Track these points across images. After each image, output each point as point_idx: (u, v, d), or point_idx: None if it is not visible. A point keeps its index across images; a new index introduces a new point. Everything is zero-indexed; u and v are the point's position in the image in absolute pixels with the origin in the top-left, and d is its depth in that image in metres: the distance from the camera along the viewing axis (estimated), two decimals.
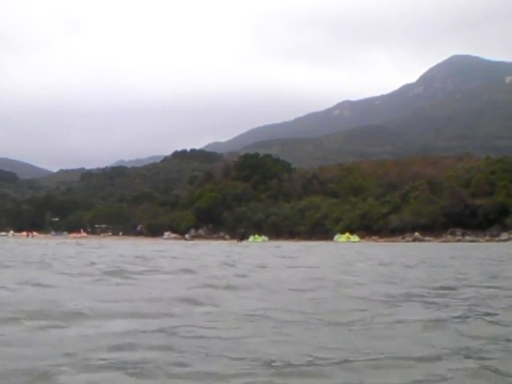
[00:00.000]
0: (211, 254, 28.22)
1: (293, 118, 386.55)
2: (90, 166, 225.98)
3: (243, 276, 12.19)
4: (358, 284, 10.60)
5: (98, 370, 4.01)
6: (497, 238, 73.29)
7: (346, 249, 39.79)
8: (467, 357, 4.49)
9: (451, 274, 13.66)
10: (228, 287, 9.47)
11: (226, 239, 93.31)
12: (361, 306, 7.46)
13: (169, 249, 36.45)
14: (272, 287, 9.69)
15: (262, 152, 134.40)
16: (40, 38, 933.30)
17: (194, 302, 7.46)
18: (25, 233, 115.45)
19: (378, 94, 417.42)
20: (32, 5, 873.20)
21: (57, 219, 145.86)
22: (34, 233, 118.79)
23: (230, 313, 6.68)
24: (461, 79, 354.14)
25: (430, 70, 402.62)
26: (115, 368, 4.03)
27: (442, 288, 9.89)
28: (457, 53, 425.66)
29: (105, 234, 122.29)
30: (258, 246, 48.85)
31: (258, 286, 9.75)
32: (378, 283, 10.81)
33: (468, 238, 76.76)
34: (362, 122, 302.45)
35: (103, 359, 4.26)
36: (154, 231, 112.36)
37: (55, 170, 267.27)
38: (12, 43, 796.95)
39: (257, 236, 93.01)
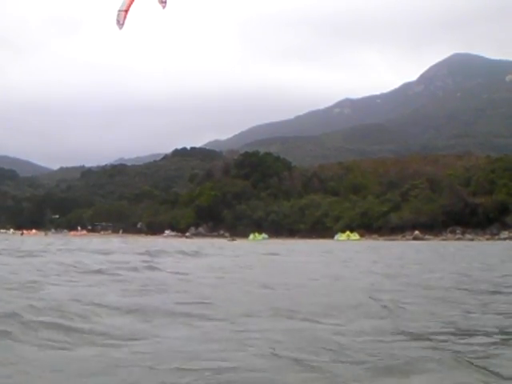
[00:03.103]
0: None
1: (293, 116, 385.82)
2: (90, 163, 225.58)
3: None
4: None
5: None
6: (497, 237, 73.35)
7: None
8: None
9: None
10: None
11: (225, 237, 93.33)
12: None
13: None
14: None
15: (262, 150, 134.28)
16: (40, 38, 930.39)
17: None
18: (23, 231, 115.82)
19: (378, 92, 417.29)
20: (32, 5, 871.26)
21: (57, 217, 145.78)
22: (34, 231, 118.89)
23: None
24: (461, 78, 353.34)
25: (430, 69, 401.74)
26: None
27: None
28: (457, 51, 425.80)
29: (105, 232, 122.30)
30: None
31: None
32: None
33: (468, 236, 76.79)
34: (362, 120, 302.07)
35: None
36: (154, 229, 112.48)
37: (55, 167, 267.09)
38: (12, 43, 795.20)
39: (257, 234, 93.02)
